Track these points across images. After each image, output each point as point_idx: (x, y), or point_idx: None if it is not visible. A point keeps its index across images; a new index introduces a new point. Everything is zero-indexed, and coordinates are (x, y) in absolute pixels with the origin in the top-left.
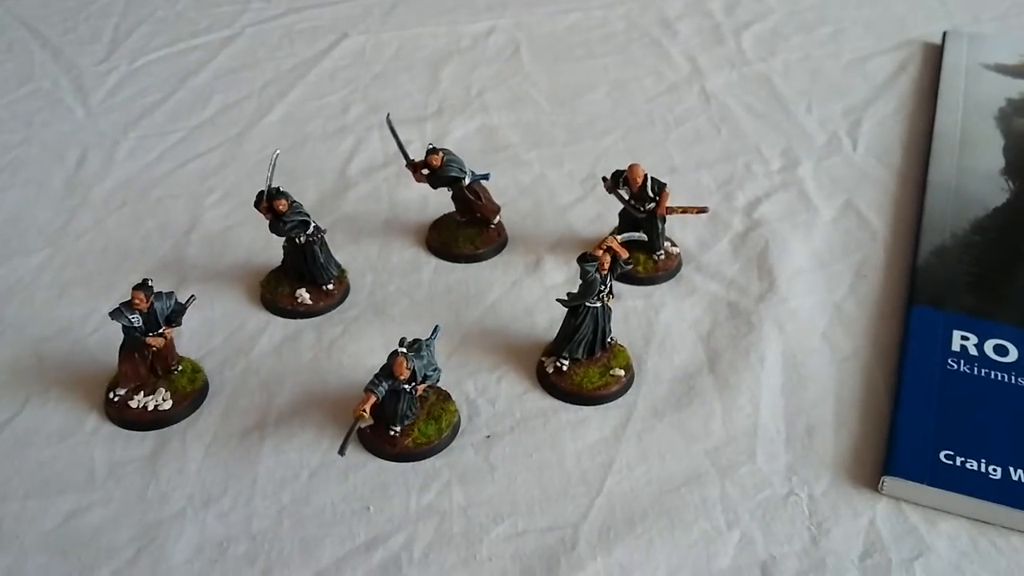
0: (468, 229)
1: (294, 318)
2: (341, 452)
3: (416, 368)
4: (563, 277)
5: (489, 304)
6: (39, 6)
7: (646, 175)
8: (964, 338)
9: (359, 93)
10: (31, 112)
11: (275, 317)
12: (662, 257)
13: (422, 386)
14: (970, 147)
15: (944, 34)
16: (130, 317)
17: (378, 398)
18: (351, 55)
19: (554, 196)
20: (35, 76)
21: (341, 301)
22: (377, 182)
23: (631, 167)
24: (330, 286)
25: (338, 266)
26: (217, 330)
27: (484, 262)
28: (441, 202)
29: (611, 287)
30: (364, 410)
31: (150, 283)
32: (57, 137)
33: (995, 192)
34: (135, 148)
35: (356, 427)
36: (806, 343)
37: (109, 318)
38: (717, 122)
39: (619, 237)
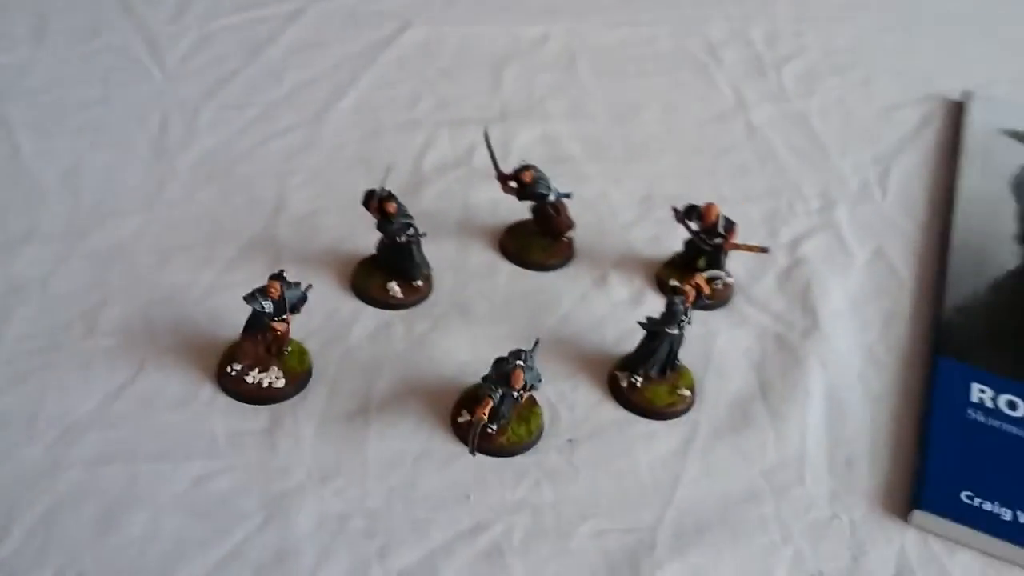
0: (542, 239)
1: (385, 308)
2: (472, 452)
3: (527, 379)
4: (627, 294)
5: (562, 314)
6: None
7: (719, 213)
8: (981, 391)
9: (427, 86)
10: (107, 69)
11: (366, 306)
12: (720, 287)
13: (527, 395)
14: (989, 209)
15: (965, 95)
16: (263, 303)
17: (495, 403)
18: (415, 46)
19: (616, 214)
20: (104, 30)
21: (427, 297)
22: (450, 181)
23: (708, 206)
24: (419, 282)
25: (427, 264)
26: (315, 313)
27: (554, 272)
28: (512, 208)
29: (690, 318)
30: (484, 413)
31: (284, 274)
32: (137, 99)
33: (1010, 256)
34: (215, 119)
35: (479, 429)
36: (844, 380)
37: (212, 290)
38: (762, 156)
39: (704, 275)
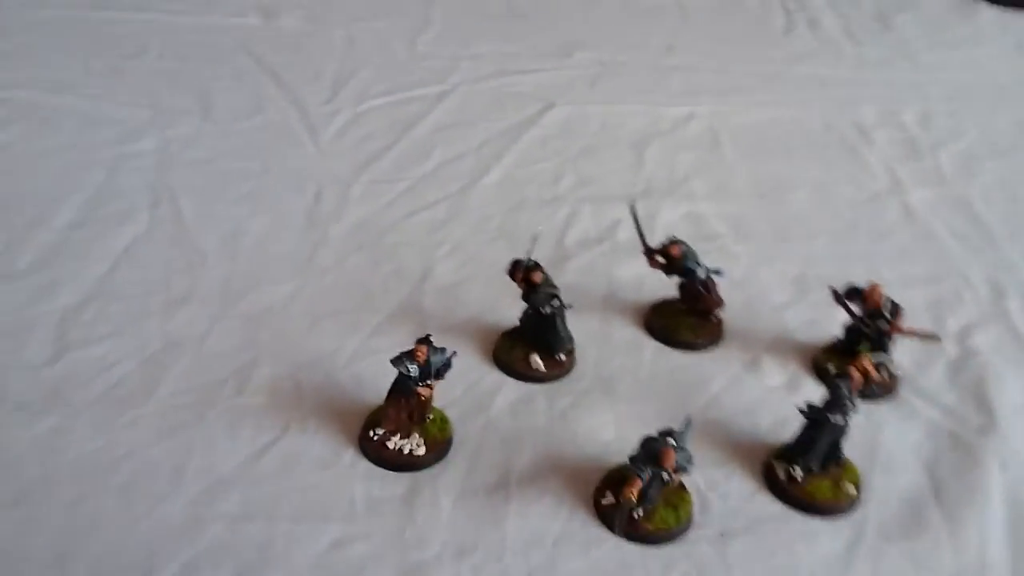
0: (690, 318)
1: (527, 382)
2: (619, 532)
3: (678, 459)
4: (782, 379)
5: (711, 396)
6: (262, 38)
7: (884, 295)
8: None
9: (569, 164)
10: (266, 143)
11: (508, 378)
12: (886, 374)
13: (678, 477)
14: None
15: None
16: (409, 367)
17: (644, 483)
18: (558, 125)
19: (767, 295)
20: (265, 108)
21: (569, 371)
22: (594, 256)
23: (872, 287)
24: (562, 356)
25: (571, 339)
26: (457, 383)
27: (703, 352)
28: (656, 284)
29: (856, 406)
30: (633, 493)
31: (431, 338)
32: (293, 171)
33: None
34: (366, 192)
35: (628, 510)
36: None
37: (358, 355)
38: (922, 240)
39: (871, 357)
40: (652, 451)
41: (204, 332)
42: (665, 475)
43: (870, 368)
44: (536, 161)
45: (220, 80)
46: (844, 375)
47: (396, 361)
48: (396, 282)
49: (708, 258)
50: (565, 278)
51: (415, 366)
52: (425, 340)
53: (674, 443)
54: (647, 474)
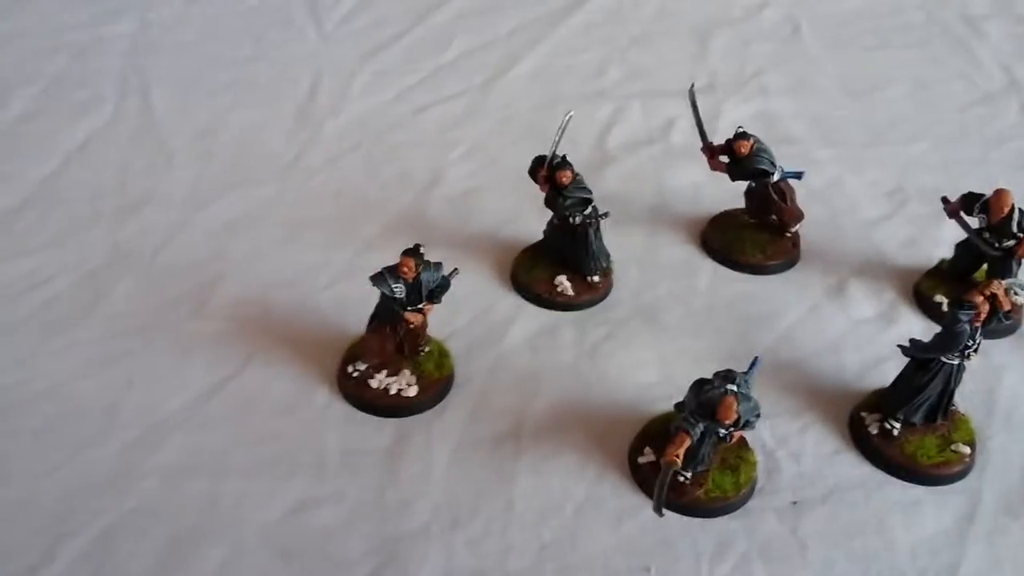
0: (759, 233)
1: (551, 308)
2: (658, 511)
3: (741, 411)
4: (874, 309)
5: (784, 330)
6: None
7: (1014, 205)
8: None
9: (617, 54)
10: (261, 27)
11: (528, 304)
12: (1021, 302)
13: (738, 433)
14: None
15: None
16: (394, 286)
17: (693, 440)
18: (606, 10)
19: (856, 208)
20: None
21: (604, 297)
22: (642, 160)
23: (998, 192)
24: (596, 278)
25: (608, 256)
26: (463, 308)
27: (774, 275)
28: (717, 194)
29: (979, 343)
30: (679, 455)
31: (422, 250)
32: (289, 60)
33: None
34: (371, 84)
35: (670, 477)
36: None
37: (344, 273)
38: None
39: (1004, 283)
40: (707, 400)
41: (160, 243)
42: (723, 431)
43: (1001, 295)
44: (577, 51)
45: None
46: (967, 303)
47: (377, 279)
48: (398, 187)
49: (785, 165)
50: (605, 185)
51: (400, 285)
52: (413, 251)
53: (736, 389)
54: (699, 429)
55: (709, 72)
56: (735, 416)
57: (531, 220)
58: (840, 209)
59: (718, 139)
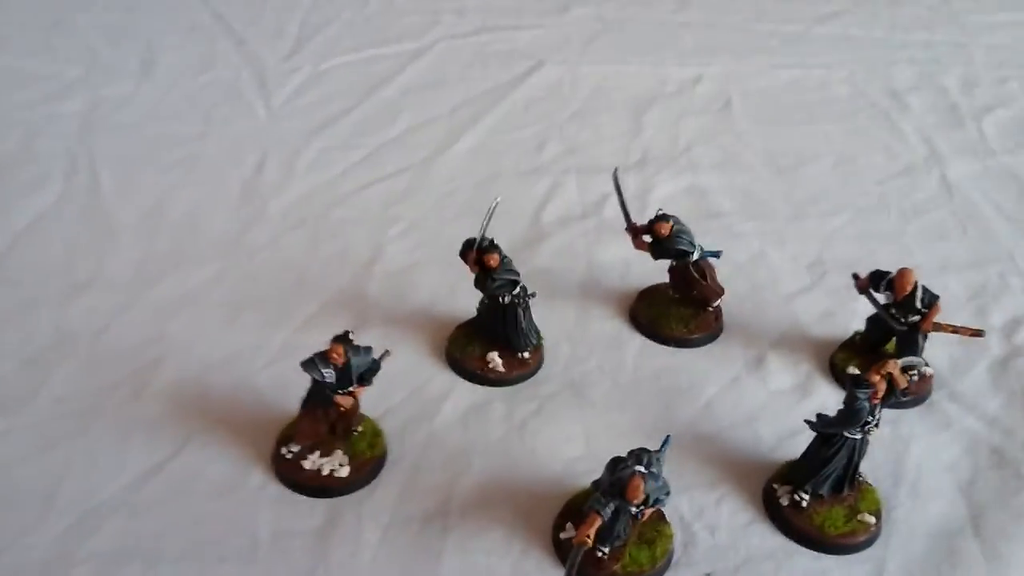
0: (683, 308)
1: (483, 384)
2: None
3: (648, 491)
4: (791, 382)
5: (705, 402)
6: None
7: (917, 283)
8: None
9: (555, 130)
10: (211, 104)
11: (461, 380)
12: (916, 379)
13: (650, 511)
14: None
15: None
16: (324, 372)
17: (604, 520)
18: (547, 87)
19: (777, 281)
20: (216, 65)
21: (535, 372)
22: (574, 236)
23: (901, 272)
24: (526, 354)
25: (537, 333)
26: (398, 385)
27: (697, 348)
28: (646, 269)
29: (879, 419)
30: (589, 535)
31: (351, 335)
32: (237, 136)
33: None
34: (317, 160)
35: (581, 555)
36: None
37: (282, 352)
38: (962, 219)
39: (900, 362)
40: (618, 479)
41: (103, 325)
42: (634, 509)
43: (896, 374)
44: (517, 127)
45: (170, 34)
46: (864, 382)
47: (308, 365)
48: (338, 265)
49: (710, 238)
50: (539, 261)
51: (331, 370)
52: (343, 338)
53: (644, 469)
54: (609, 508)
55: (642, 147)
56: (642, 496)
57: (467, 296)
58: (762, 282)
59: (650, 212)
